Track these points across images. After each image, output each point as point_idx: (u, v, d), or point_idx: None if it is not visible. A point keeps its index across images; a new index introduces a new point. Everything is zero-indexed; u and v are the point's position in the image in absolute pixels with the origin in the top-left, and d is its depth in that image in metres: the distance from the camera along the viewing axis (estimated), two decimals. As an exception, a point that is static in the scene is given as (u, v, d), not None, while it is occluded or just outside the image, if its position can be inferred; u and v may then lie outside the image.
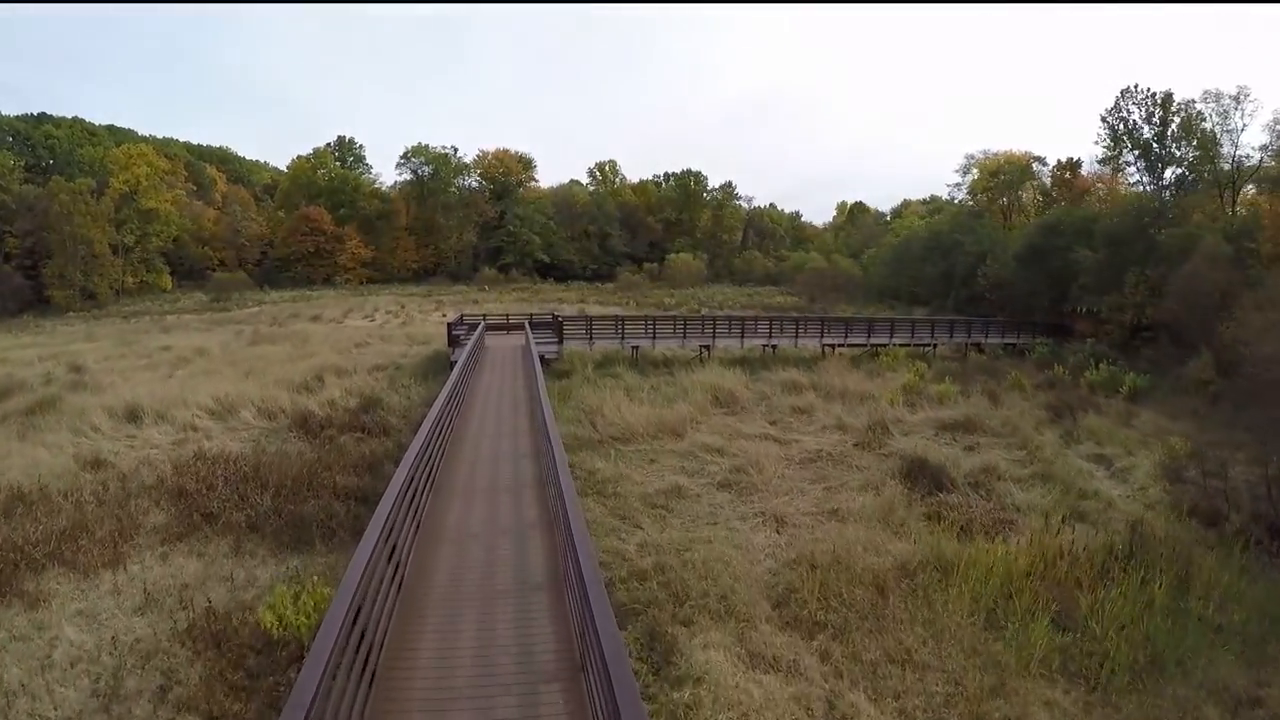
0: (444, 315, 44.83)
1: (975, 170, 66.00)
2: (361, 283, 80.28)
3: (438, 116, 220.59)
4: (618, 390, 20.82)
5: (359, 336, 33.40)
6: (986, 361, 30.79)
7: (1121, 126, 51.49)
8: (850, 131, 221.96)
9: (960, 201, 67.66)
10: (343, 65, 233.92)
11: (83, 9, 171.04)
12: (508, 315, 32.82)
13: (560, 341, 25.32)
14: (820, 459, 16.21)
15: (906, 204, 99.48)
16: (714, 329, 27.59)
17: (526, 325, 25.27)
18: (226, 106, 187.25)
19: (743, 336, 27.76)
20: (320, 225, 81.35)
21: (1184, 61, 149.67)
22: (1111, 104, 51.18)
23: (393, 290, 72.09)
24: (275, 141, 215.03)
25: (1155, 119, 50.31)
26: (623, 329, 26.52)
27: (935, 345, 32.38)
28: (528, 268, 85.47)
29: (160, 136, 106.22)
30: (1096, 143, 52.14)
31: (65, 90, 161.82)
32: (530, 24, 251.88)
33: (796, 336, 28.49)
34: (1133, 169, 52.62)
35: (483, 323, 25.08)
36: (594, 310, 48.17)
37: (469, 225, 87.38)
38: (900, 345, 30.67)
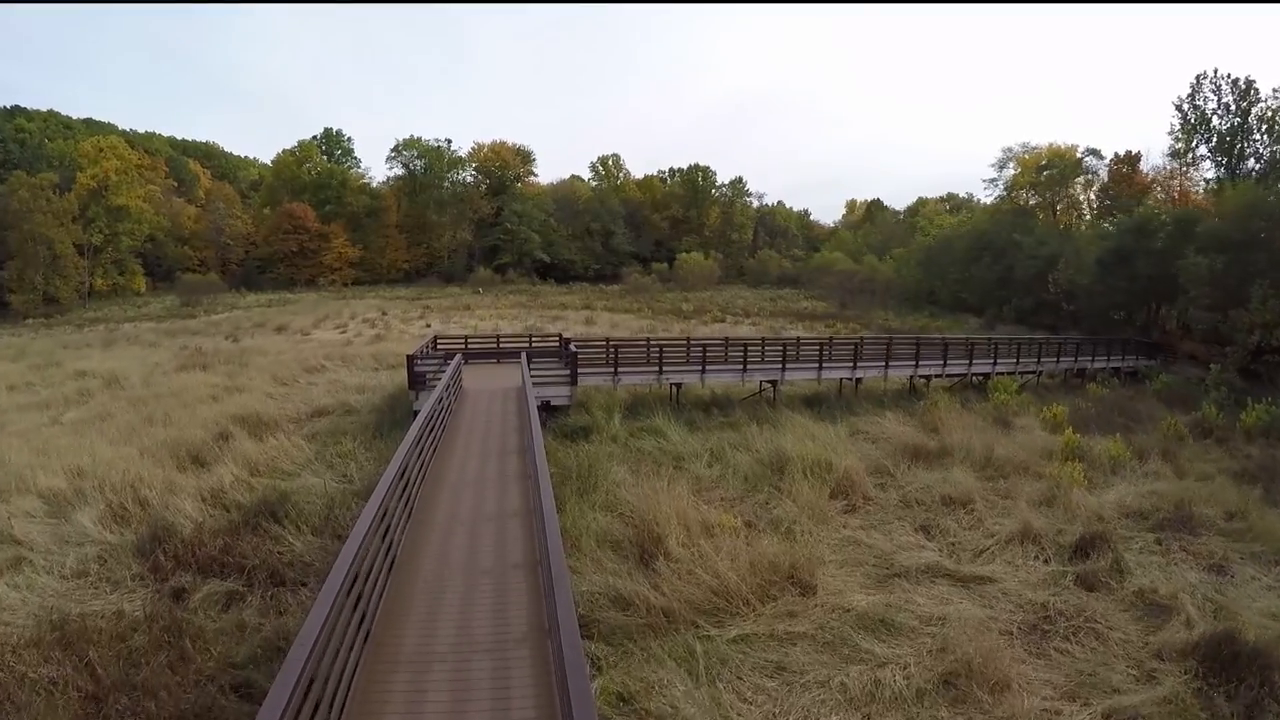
0: (428, 324, 37.33)
1: (1013, 165, 58.68)
2: (346, 284, 72.59)
3: (434, 113, 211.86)
4: (666, 464, 13.43)
5: (318, 357, 25.89)
6: (1117, 397, 23.46)
7: (1195, 116, 44.54)
8: (847, 131, 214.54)
9: (996, 198, 60.34)
10: (338, 60, 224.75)
11: (75, 7, 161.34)
12: (498, 336, 23.93)
13: (573, 381, 17.46)
14: (1051, 626, 8.93)
15: (923, 201, 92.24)
16: (783, 358, 19.83)
17: (523, 359, 17.06)
18: (217, 103, 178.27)
19: (820, 366, 20.52)
20: (304, 223, 73.60)
21: (1189, 58, 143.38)
22: (1187, 90, 44.48)
23: (380, 292, 64.40)
24: (268, 138, 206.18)
25: (1235, 108, 43.40)
26: (661, 359, 18.72)
27: (1039, 372, 25.11)
28: (526, 268, 77.78)
29: (143, 131, 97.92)
30: (1169, 133, 45.29)
31: (59, 89, 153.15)
32: (527, 20, 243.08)
33: (886, 366, 21.35)
34: (1208, 163, 45.94)
35: (461, 354, 17.33)
36: (603, 319, 40.74)
37: (463, 222, 79.61)
38: (1004, 374, 23.42)
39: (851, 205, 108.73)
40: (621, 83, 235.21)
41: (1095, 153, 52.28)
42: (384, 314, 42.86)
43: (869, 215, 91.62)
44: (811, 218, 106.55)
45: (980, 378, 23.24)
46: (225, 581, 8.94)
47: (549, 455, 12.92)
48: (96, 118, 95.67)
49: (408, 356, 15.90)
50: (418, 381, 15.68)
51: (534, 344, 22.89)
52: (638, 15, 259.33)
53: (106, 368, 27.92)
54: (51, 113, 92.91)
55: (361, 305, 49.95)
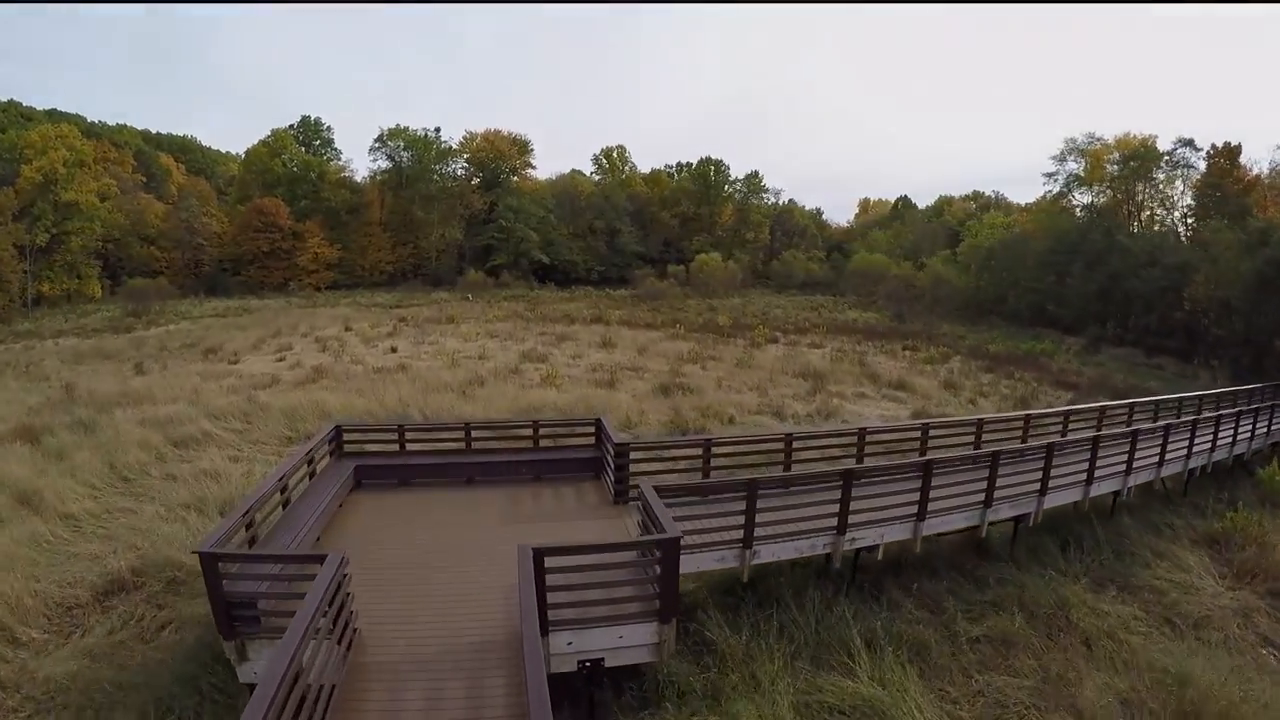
0: (394, 347, 27.96)
1: (1076, 158, 49.65)
2: (321, 288, 63.07)
3: (431, 113, 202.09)
4: None
5: (208, 414, 16.69)
6: None
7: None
8: (847, 130, 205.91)
9: (1053, 195, 51.37)
10: (336, 61, 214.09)
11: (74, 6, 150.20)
12: (467, 425, 11.14)
13: (666, 610, 6.33)
14: None
15: (947, 200, 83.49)
16: (1045, 470, 10.04)
17: (527, 564, 5.84)
18: (209, 101, 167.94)
19: (1089, 477, 10.70)
20: (276, 220, 63.90)
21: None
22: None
23: (357, 298, 54.97)
24: (255, 137, 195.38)
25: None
26: (845, 510, 8.31)
27: (1276, 443, 16.26)
28: (523, 270, 68.39)
29: (113, 124, 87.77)
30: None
31: (59, 89, 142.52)
32: (528, 19, 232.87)
33: (1161, 461, 11.87)
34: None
35: (379, 480, 6.60)
36: (623, 337, 31.05)
37: (453, 220, 69.91)
38: (1259, 450, 14.71)
39: (865, 204, 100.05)
40: (619, 85, 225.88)
41: (1189, 143, 43.35)
42: (348, 328, 33.62)
43: (896, 214, 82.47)
44: (824, 217, 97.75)
45: (1233, 459, 14.40)
46: None
47: None
48: (61, 109, 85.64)
49: (201, 556, 5.88)
50: (238, 619, 5.94)
51: (541, 435, 11.36)
52: (636, 16, 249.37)
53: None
54: (11, 103, 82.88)
55: (327, 315, 40.62)
